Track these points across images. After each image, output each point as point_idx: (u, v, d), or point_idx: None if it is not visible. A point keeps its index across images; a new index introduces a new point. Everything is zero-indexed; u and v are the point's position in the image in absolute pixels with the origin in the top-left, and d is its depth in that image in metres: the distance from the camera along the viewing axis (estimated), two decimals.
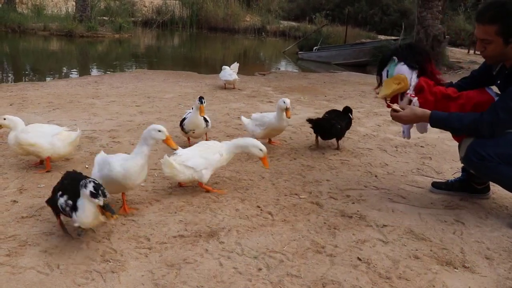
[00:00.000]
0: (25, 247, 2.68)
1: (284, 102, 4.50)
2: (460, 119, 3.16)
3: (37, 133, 3.89)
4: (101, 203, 2.49)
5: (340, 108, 5.38)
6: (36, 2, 26.18)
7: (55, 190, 2.83)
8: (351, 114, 5.19)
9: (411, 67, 3.43)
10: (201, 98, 4.56)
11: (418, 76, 3.43)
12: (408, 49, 3.53)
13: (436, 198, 3.73)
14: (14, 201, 3.32)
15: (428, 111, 3.25)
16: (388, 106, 3.52)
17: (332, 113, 5.17)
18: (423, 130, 3.65)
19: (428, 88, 3.39)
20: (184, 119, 4.81)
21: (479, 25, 3.09)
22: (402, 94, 3.49)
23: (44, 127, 4.03)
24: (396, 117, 3.37)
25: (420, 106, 3.34)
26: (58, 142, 3.90)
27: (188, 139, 4.97)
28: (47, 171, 3.95)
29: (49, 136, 3.89)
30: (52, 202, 2.82)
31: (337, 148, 5.05)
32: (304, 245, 2.85)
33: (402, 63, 3.45)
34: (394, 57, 3.49)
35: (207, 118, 4.82)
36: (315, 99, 8.08)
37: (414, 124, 3.58)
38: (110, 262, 2.57)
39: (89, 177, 2.65)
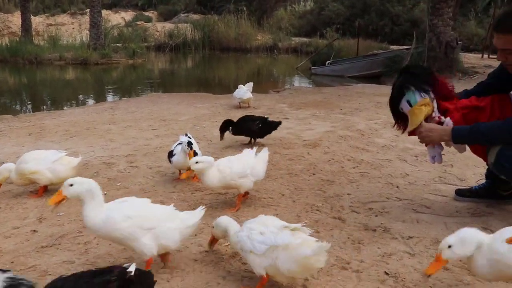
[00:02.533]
0: (46, 277, 2.65)
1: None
2: (483, 129, 3.01)
3: (37, 160, 3.96)
4: None
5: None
6: (51, 33, 26.72)
7: None
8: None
9: (426, 91, 3.29)
10: (190, 143, 4.20)
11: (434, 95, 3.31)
12: (412, 76, 3.33)
13: (461, 206, 3.63)
14: (34, 230, 3.31)
15: (449, 128, 3.11)
16: (410, 135, 3.45)
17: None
18: (462, 150, 3.41)
19: (453, 106, 3.29)
20: (172, 152, 4.41)
21: (499, 35, 2.96)
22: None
23: (42, 154, 4.08)
24: (421, 137, 3.25)
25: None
26: (59, 167, 3.97)
27: (179, 171, 4.54)
28: (38, 197, 4.01)
29: (49, 162, 3.96)
30: None
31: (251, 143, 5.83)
32: (329, 261, 2.76)
33: (418, 91, 3.30)
34: (411, 86, 3.29)
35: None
36: (331, 113, 8.02)
37: (447, 147, 3.44)
38: None
39: None
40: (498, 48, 3.03)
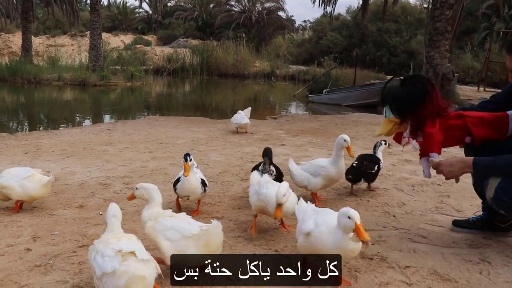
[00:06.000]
0: None
1: (345, 140, 4.14)
2: (503, 163, 2.99)
3: (10, 175, 3.99)
4: None
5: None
6: (51, 54, 26.94)
7: None
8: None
9: (400, 115, 3.41)
10: (186, 155, 3.88)
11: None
12: (393, 99, 3.44)
13: (458, 237, 3.62)
14: (28, 249, 3.27)
15: (470, 158, 3.10)
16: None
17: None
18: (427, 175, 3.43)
19: (436, 128, 3.25)
20: (178, 179, 4.04)
21: (511, 57, 3.06)
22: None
23: (16, 170, 4.10)
24: (436, 165, 3.22)
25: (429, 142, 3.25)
26: (29, 184, 3.96)
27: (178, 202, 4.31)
28: (16, 212, 4.03)
29: (20, 178, 3.96)
30: None
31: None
32: None
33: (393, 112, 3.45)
34: (388, 105, 3.48)
35: (206, 181, 4.10)
36: (328, 141, 8.04)
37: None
38: None
39: None
40: (510, 70, 3.09)
